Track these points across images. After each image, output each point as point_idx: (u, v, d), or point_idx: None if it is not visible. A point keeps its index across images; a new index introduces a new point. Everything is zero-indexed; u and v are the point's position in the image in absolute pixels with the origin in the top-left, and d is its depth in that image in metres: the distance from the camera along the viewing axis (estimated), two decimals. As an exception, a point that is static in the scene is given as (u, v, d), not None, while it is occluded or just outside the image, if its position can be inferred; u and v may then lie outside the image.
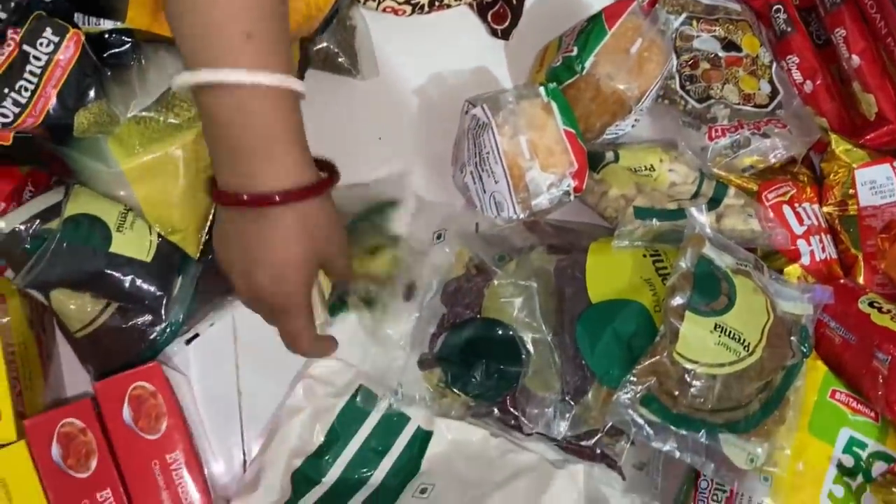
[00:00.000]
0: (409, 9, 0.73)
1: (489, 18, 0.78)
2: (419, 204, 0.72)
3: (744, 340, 0.58)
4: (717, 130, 0.73)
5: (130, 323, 0.58)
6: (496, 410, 0.65)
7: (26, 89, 0.55)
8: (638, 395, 0.56)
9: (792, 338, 0.61)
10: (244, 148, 0.44)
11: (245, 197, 0.45)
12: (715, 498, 0.62)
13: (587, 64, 0.68)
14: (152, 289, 0.57)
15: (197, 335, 0.64)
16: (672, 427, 0.57)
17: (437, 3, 0.74)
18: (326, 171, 0.51)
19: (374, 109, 0.74)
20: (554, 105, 0.66)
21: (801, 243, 0.69)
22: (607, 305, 0.60)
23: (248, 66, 0.42)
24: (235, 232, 0.47)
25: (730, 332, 0.57)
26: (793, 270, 0.69)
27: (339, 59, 0.70)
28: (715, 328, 0.57)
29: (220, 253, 0.49)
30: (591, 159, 0.70)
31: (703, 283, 0.59)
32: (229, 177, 0.45)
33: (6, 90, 0.55)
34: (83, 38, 0.56)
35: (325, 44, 0.69)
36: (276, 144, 0.45)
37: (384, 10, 0.73)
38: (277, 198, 0.44)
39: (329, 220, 0.50)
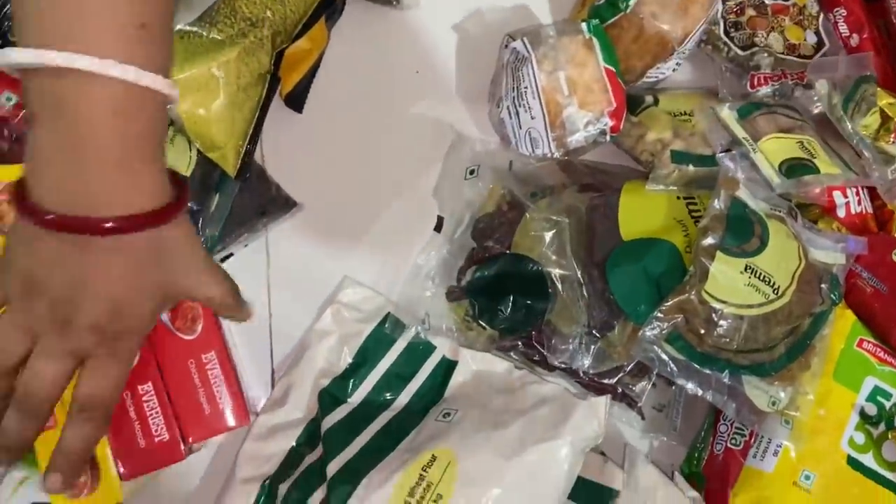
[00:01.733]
0: None
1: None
2: (455, 137, 0.72)
3: (773, 283, 0.57)
4: (759, 79, 0.72)
5: (168, 236, 0.59)
6: (520, 345, 0.66)
7: None
8: (664, 332, 0.57)
9: (822, 285, 0.60)
10: (103, 157, 0.36)
11: (104, 222, 0.36)
12: (734, 441, 0.62)
13: (632, 2, 0.67)
14: (190, 204, 0.58)
15: (231, 254, 0.65)
16: (696, 365, 0.57)
17: None
18: (176, 188, 0.42)
19: (413, 42, 0.73)
20: (596, 42, 0.66)
21: (836, 194, 0.68)
22: (638, 243, 0.60)
23: (138, 60, 0.35)
24: (58, 255, 0.37)
25: (760, 273, 0.57)
26: (826, 224, 0.68)
27: (382, -11, 0.70)
28: (745, 269, 0.57)
29: (15, 268, 0.39)
30: (629, 103, 0.69)
31: (736, 225, 0.58)
32: (62, 189, 0.36)
33: None
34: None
35: (367, -29, 0.69)
36: (140, 160, 0.37)
37: None
38: (139, 223, 0.37)
39: (188, 245, 0.42)
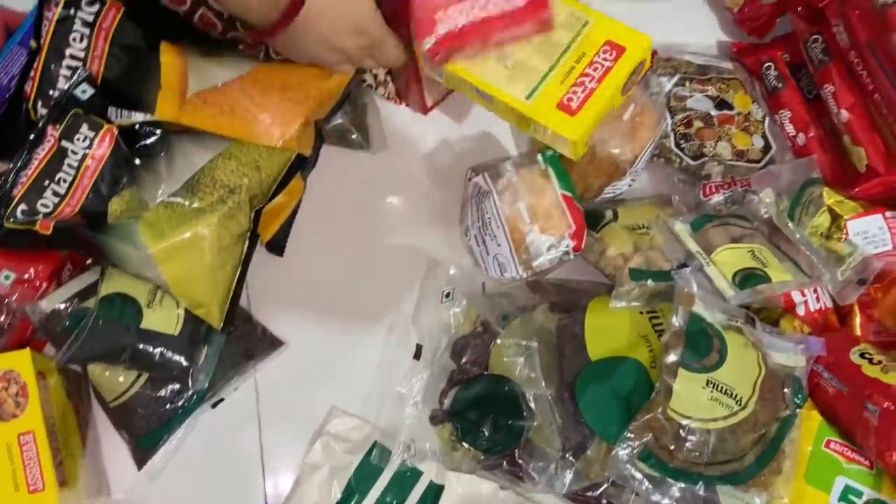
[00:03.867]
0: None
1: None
2: (430, 264, 0.76)
3: (736, 395, 0.60)
4: (710, 188, 0.77)
5: (160, 392, 0.63)
6: (505, 463, 0.68)
7: (65, 181, 0.61)
8: (636, 451, 0.59)
9: (785, 390, 0.63)
10: None
11: None
12: (718, 545, 0.64)
13: (582, 130, 0.72)
14: (180, 360, 0.62)
15: (222, 399, 0.68)
16: (670, 480, 0.60)
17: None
18: None
19: (386, 178, 0.78)
20: (551, 171, 0.70)
21: (795, 294, 0.71)
22: (605, 363, 0.64)
23: None
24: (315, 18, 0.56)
25: (722, 387, 0.60)
26: (787, 322, 0.71)
27: (352, 136, 0.75)
28: (707, 384, 0.60)
29: (326, 50, 0.60)
30: (591, 218, 0.74)
31: (695, 340, 0.62)
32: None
33: (47, 182, 0.61)
34: (116, 132, 0.62)
35: (339, 121, 0.74)
36: None
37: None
38: None
39: None
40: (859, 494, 0.62)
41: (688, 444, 0.59)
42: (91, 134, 0.61)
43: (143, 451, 0.64)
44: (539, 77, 0.57)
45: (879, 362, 0.64)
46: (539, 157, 0.71)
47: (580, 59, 0.57)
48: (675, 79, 0.81)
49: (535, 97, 0.57)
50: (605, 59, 0.57)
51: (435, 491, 0.67)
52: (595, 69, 0.56)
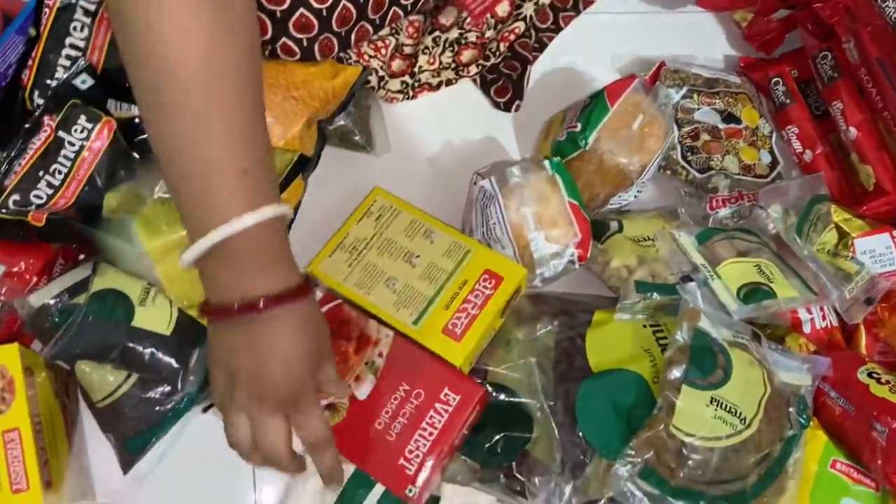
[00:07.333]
0: (400, 97, 0.79)
1: (492, 93, 0.81)
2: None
3: (740, 413, 0.59)
4: (717, 201, 0.76)
5: (149, 394, 0.61)
6: (502, 476, 0.67)
7: (60, 172, 0.60)
8: (636, 468, 0.58)
9: (790, 409, 0.62)
10: (244, 269, 0.46)
11: (260, 303, 0.46)
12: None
13: (590, 139, 0.71)
14: (171, 361, 0.60)
15: (212, 405, 0.66)
16: (670, 499, 0.58)
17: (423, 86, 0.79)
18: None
19: (388, 180, 0.76)
20: (558, 178, 0.69)
21: (801, 311, 0.70)
22: (606, 375, 0.62)
23: (241, 210, 0.44)
24: (238, 341, 0.47)
25: (726, 405, 0.59)
26: (792, 339, 0.70)
27: (355, 137, 0.74)
28: (711, 402, 0.59)
29: (219, 366, 0.49)
30: (596, 228, 0.72)
31: (699, 357, 0.60)
32: (228, 292, 0.47)
33: (41, 173, 0.60)
34: (115, 125, 0.60)
35: (341, 122, 0.73)
36: (274, 261, 0.47)
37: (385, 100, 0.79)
38: (282, 300, 0.46)
39: (320, 318, 0.51)
40: (864, 517, 0.60)
41: (690, 463, 0.58)
42: (89, 125, 0.60)
43: (129, 455, 0.62)
44: (425, 302, 0.62)
45: (888, 382, 0.63)
46: (546, 163, 0.70)
47: (463, 285, 0.63)
48: (683, 91, 0.80)
49: (422, 323, 0.62)
50: (486, 288, 0.63)
51: (430, 503, 0.65)
52: (476, 296, 0.62)
